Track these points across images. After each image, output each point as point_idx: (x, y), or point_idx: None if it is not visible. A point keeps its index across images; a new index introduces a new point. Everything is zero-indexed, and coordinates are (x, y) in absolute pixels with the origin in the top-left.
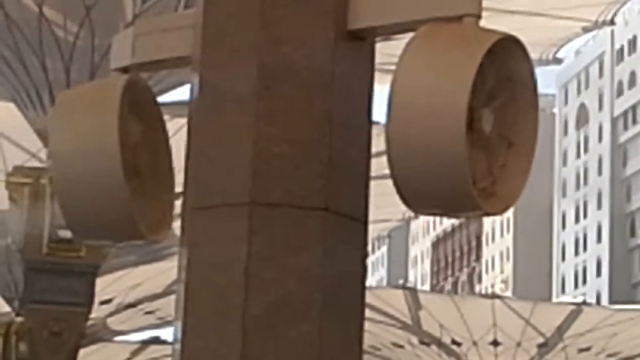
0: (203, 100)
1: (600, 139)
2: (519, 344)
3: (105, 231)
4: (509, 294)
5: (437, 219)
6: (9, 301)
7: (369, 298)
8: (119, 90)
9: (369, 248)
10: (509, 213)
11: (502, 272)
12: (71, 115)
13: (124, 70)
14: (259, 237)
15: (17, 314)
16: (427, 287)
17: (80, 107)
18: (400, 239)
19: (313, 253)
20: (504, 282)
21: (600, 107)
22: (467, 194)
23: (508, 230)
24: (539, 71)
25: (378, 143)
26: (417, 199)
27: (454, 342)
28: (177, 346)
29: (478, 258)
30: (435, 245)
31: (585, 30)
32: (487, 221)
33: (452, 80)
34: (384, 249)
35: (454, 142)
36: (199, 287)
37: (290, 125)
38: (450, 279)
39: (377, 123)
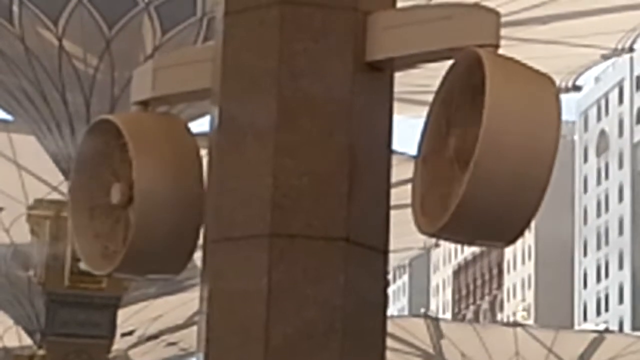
0: (223, 133)
1: (620, 165)
2: None
3: (167, 264)
4: (530, 322)
5: (459, 247)
6: (30, 334)
7: (390, 327)
8: (187, 131)
9: (390, 277)
10: (530, 241)
11: (523, 300)
12: (152, 153)
13: (144, 103)
14: (279, 268)
15: (39, 347)
16: (448, 315)
17: (160, 147)
18: (422, 267)
19: (334, 283)
20: (526, 310)
21: (621, 134)
22: (528, 224)
23: (529, 258)
24: None
25: (398, 172)
26: (474, 224)
27: None
28: None
29: (499, 286)
30: (457, 273)
31: (605, 57)
32: (508, 249)
33: (540, 117)
34: (405, 277)
35: (541, 176)
36: (220, 318)
37: (309, 157)
38: (471, 307)
39: (397, 152)
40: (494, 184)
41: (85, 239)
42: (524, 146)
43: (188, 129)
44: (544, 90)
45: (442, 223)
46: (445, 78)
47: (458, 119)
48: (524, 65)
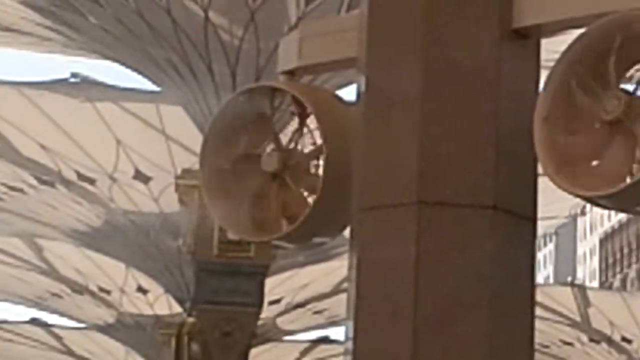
0: (369, 102)
1: None
2: None
3: (329, 232)
4: None
5: (605, 215)
6: (180, 302)
7: (537, 295)
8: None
9: (536, 245)
10: None
11: None
12: (331, 122)
13: (291, 72)
14: (427, 236)
15: (189, 315)
16: (595, 283)
17: (333, 116)
18: (568, 235)
19: (482, 251)
20: None
21: None
22: None
23: None
24: None
25: None
26: None
27: (624, 339)
28: (349, 345)
29: None
30: (603, 241)
31: None
32: None
33: None
34: (551, 246)
35: None
36: (369, 286)
37: (456, 125)
38: (619, 276)
39: None
40: None
41: (222, 203)
42: None
43: (339, 98)
44: None
45: (616, 189)
46: (577, 41)
47: (619, 82)
48: None
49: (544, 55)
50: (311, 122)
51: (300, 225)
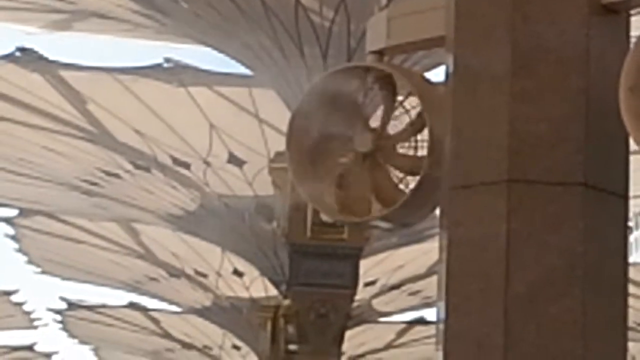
0: (458, 80)
1: None
2: None
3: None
4: None
5: None
6: (276, 284)
7: (631, 274)
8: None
9: (631, 224)
10: None
11: None
12: (433, 105)
13: (379, 52)
14: (518, 215)
15: (285, 297)
16: None
17: (433, 99)
18: None
19: (573, 229)
20: None
21: None
22: None
23: None
24: None
25: None
26: None
27: None
28: (441, 326)
29: None
30: None
31: None
32: None
33: None
34: None
35: None
36: (459, 266)
37: (545, 102)
38: None
39: None
40: None
41: (309, 182)
42: None
43: (427, 79)
44: None
45: None
46: None
47: None
48: None
49: (633, 31)
50: (407, 103)
51: (402, 204)
